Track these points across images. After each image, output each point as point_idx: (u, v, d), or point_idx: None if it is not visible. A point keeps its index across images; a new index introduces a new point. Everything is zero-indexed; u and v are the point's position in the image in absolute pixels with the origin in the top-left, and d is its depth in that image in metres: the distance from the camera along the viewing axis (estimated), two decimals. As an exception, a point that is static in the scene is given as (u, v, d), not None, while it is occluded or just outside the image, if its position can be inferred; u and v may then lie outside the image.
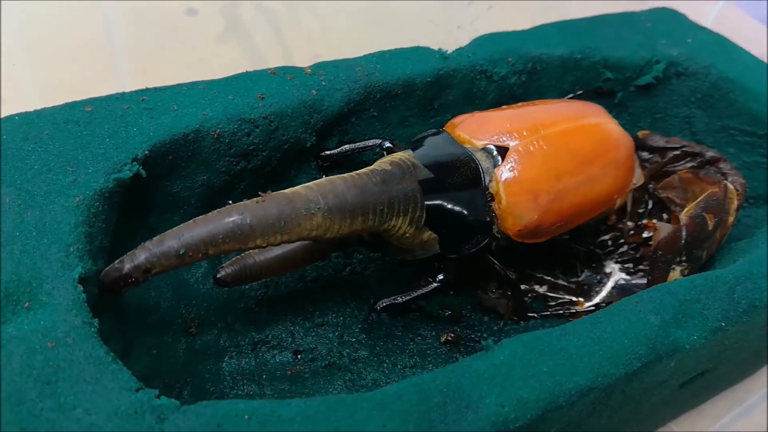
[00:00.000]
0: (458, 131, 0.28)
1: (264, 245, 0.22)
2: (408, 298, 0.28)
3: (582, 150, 0.29)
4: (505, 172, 0.27)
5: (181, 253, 0.21)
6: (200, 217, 0.21)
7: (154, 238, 0.21)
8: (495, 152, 0.27)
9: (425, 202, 0.25)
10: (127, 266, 0.21)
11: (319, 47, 0.49)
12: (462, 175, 0.26)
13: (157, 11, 0.49)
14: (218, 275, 0.26)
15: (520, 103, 0.31)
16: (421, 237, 0.26)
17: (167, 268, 0.21)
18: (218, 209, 0.22)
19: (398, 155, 0.26)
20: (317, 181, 0.23)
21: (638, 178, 0.32)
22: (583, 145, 0.29)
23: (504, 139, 0.27)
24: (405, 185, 0.24)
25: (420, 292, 0.28)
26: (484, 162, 0.27)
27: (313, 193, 0.23)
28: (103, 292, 0.21)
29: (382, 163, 0.25)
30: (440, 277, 0.28)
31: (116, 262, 0.21)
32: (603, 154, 0.30)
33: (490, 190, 0.27)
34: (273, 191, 0.29)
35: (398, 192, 0.24)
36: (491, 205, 0.27)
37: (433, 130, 0.29)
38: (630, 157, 0.31)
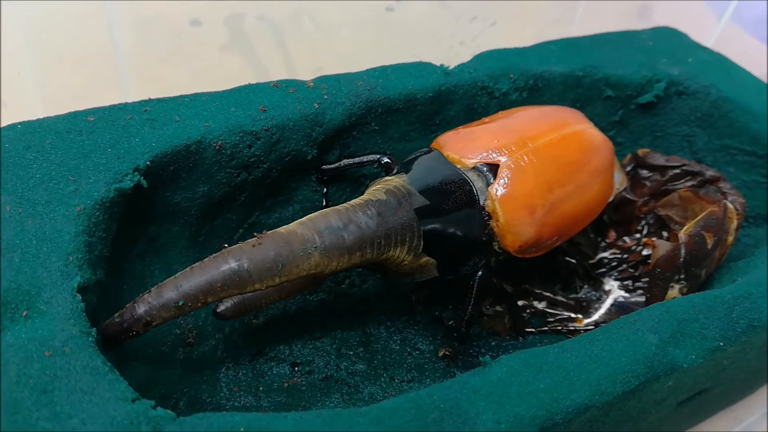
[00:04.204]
0: (447, 151, 0.28)
1: (263, 288, 0.22)
2: (472, 304, 0.27)
3: (569, 159, 0.29)
4: (499, 189, 0.27)
5: (180, 304, 0.21)
6: (197, 264, 0.21)
7: (153, 290, 0.21)
8: (486, 170, 0.27)
9: (422, 230, 0.25)
10: (127, 321, 0.21)
11: (321, 60, 0.49)
12: (457, 198, 0.26)
13: (161, 21, 0.49)
14: (218, 309, 0.25)
15: (499, 113, 0.31)
16: (419, 263, 0.25)
17: (167, 319, 0.21)
18: (214, 255, 0.21)
19: (393, 182, 0.25)
20: (311, 216, 0.23)
21: (621, 182, 0.32)
22: (569, 154, 0.29)
23: (493, 155, 0.27)
24: (401, 215, 0.24)
25: (475, 291, 0.27)
26: (477, 182, 0.27)
27: (309, 231, 0.22)
28: (104, 344, 0.21)
29: (377, 192, 0.25)
30: (480, 273, 0.27)
31: (116, 315, 0.21)
32: (589, 161, 0.30)
33: (487, 209, 0.27)
34: (275, 201, 0.30)
35: (395, 223, 0.24)
36: (489, 224, 0.27)
37: (424, 150, 0.28)
38: (612, 161, 0.31)
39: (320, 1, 0.53)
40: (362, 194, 0.29)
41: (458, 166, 0.27)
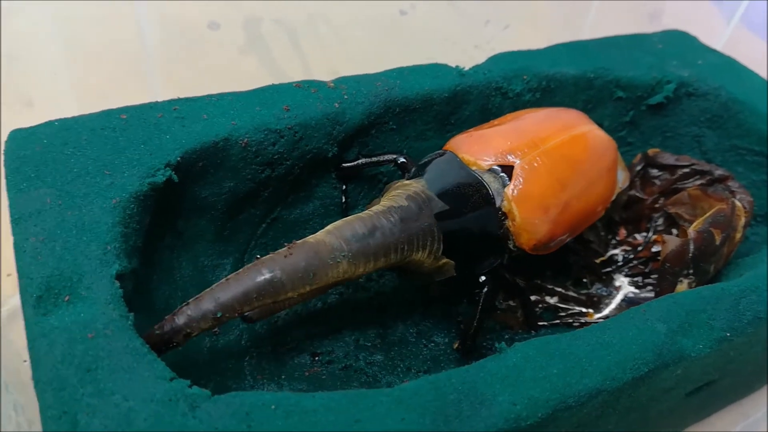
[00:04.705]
0: (462, 154, 0.28)
1: (295, 296, 0.23)
2: (478, 320, 0.28)
3: (579, 159, 0.30)
4: (515, 190, 0.27)
5: (218, 315, 0.22)
6: (232, 275, 0.22)
7: (191, 302, 0.22)
8: (501, 172, 0.28)
9: (442, 234, 0.26)
10: (168, 332, 0.21)
11: (336, 62, 0.50)
12: (475, 201, 0.27)
13: (181, 24, 0.51)
14: (245, 313, 0.26)
15: (508, 116, 0.32)
16: (438, 264, 0.26)
17: (205, 329, 0.22)
18: (248, 266, 0.22)
19: (412, 187, 0.26)
20: (336, 224, 0.24)
21: (624, 180, 0.33)
22: (578, 154, 0.30)
23: (508, 157, 0.28)
24: (422, 221, 0.25)
25: (480, 307, 0.28)
26: (492, 183, 0.28)
27: (336, 240, 0.23)
28: None
29: (398, 197, 0.26)
30: (482, 279, 0.28)
31: (156, 327, 0.22)
32: (596, 160, 0.31)
33: (503, 209, 0.27)
34: (297, 197, 0.31)
35: (416, 229, 0.25)
36: (505, 224, 0.28)
37: (439, 153, 0.29)
38: (615, 160, 0.32)
39: (335, 5, 0.54)
40: (380, 192, 0.30)
41: (473, 168, 0.28)
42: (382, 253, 0.24)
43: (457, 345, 0.30)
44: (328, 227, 0.24)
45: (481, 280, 0.28)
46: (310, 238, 0.23)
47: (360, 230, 0.24)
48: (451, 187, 0.27)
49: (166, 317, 0.22)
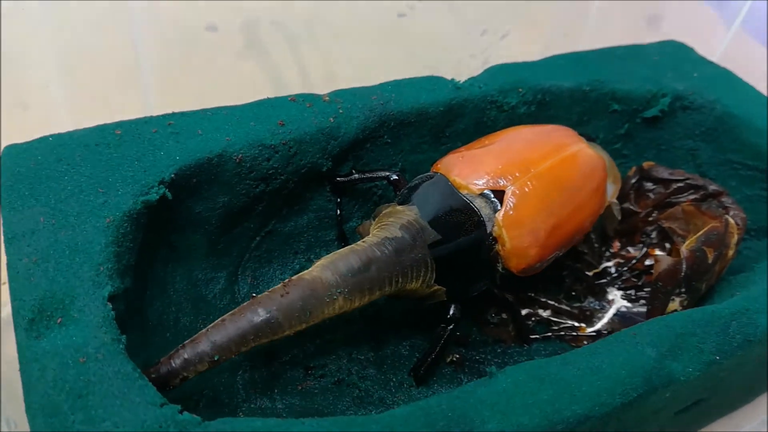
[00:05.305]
0: (454, 176, 0.28)
1: (291, 334, 0.23)
2: (437, 352, 0.28)
3: (569, 181, 0.30)
4: (506, 216, 0.28)
5: (215, 359, 0.22)
6: (227, 316, 0.22)
7: (187, 344, 0.22)
8: (492, 197, 0.28)
9: (435, 264, 0.26)
10: (164, 375, 0.21)
11: (334, 66, 0.50)
12: (467, 229, 0.27)
13: (178, 26, 0.50)
14: None
15: (499, 133, 0.32)
16: (430, 291, 0.27)
17: (201, 371, 0.22)
18: (244, 305, 0.22)
19: (405, 215, 0.26)
20: (331, 258, 0.24)
21: (612, 194, 0.33)
22: (569, 176, 0.30)
23: (499, 182, 0.28)
24: (416, 252, 0.25)
25: (443, 341, 0.28)
26: (484, 209, 0.28)
27: (333, 276, 0.23)
28: None
29: (391, 227, 0.26)
30: (451, 312, 0.28)
31: (152, 370, 0.21)
32: (586, 181, 0.31)
33: (494, 233, 0.28)
34: (291, 210, 0.31)
35: (411, 261, 0.25)
36: (495, 247, 0.28)
37: (430, 175, 0.29)
38: (604, 177, 0.32)
39: (333, 6, 0.54)
40: (374, 206, 0.30)
41: (465, 192, 0.28)
42: (378, 287, 0.24)
43: (449, 359, 0.30)
44: (323, 261, 0.24)
45: (449, 315, 0.28)
46: (306, 274, 0.24)
47: (355, 264, 0.24)
48: (444, 215, 0.27)
49: (162, 359, 0.22)
